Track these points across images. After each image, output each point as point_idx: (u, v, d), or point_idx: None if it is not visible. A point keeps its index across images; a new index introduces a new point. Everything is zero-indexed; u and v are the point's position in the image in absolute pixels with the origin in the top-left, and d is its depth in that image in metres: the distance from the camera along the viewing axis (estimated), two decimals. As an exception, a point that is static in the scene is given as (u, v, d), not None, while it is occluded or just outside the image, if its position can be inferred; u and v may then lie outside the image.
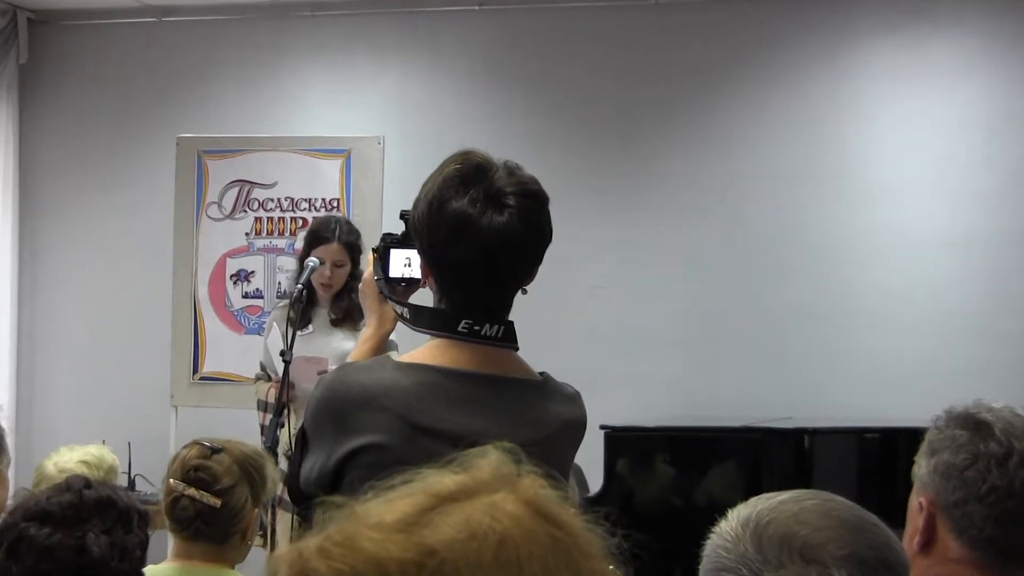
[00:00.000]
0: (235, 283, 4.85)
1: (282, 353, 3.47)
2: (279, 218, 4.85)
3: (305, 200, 4.82)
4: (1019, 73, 4.97)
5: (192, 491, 2.13)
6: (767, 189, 5.13)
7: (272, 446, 3.09)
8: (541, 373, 1.71)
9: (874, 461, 4.30)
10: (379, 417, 1.59)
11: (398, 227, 1.83)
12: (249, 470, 2.18)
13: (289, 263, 4.68)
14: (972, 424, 1.51)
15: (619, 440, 4.23)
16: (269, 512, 3.38)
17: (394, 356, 1.70)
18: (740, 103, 5.19)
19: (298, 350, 3.59)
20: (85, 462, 3.01)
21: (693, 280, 5.16)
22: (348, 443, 1.60)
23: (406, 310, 1.74)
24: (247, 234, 4.86)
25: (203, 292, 4.83)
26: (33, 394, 5.81)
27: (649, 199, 5.25)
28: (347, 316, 3.86)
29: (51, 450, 3.18)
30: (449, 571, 0.66)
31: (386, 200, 4.61)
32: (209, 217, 4.87)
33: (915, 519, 1.53)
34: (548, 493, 0.72)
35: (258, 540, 2.73)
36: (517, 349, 1.68)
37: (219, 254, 4.86)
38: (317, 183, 4.81)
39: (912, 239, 4.97)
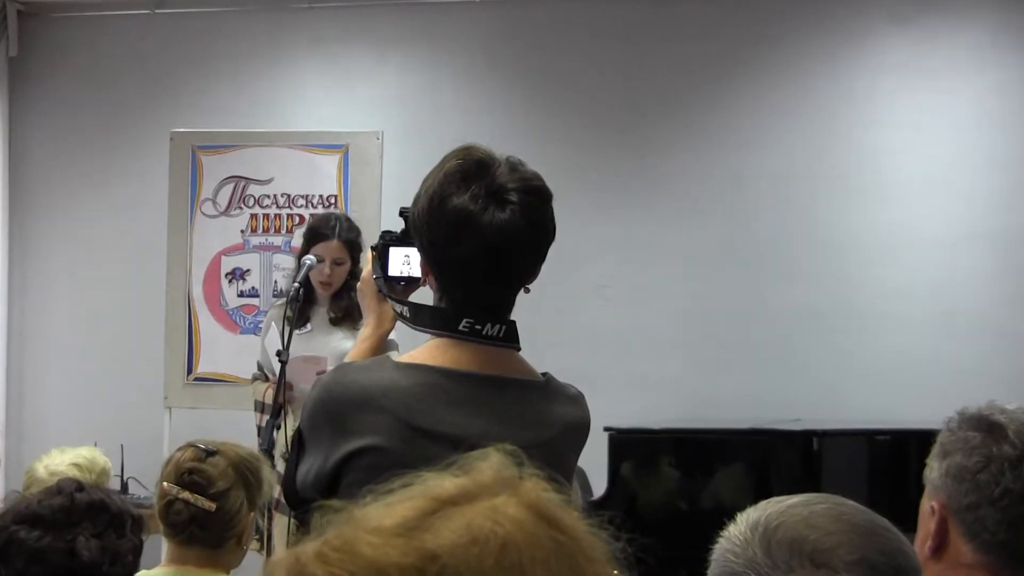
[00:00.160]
0: (230, 281, 4.82)
1: (278, 353, 3.44)
2: (275, 215, 4.82)
3: (302, 196, 4.79)
4: (1031, 68, 4.93)
5: (186, 495, 2.11)
6: (773, 186, 5.10)
7: (269, 448, 3.07)
8: (543, 374, 1.70)
9: (885, 464, 4.29)
10: (378, 418, 1.57)
11: (397, 224, 1.81)
12: (245, 473, 2.16)
13: (285, 261, 4.65)
14: (985, 426, 1.50)
15: (623, 442, 4.21)
16: (266, 516, 3.35)
17: (394, 356, 1.69)
18: (746, 97, 5.16)
19: (296, 349, 3.57)
20: (77, 465, 2.99)
21: (698, 279, 5.13)
22: (346, 445, 1.58)
23: (406, 309, 1.73)
24: (243, 231, 4.83)
25: (198, 291, 4.80)
26: (23, 395, 5.77)
27: (652, 196, 5.22)
28: (347, 315, 3.83)
29: (42, 452, 3.16)
30: None
31: (385, 196, 4.58)
32: (204, 214, 4.84)
33: (927, 523, 1.51)
34: (551, 496, 0.72)
35: (254, 545, 2.71)
36: (519, 349, 1.67)
37: (214, 252, 4.83)
38: (314, 179, 4.78)
39: (922, 237, 4.94)
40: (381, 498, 0.71)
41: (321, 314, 3.90)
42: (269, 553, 3.50)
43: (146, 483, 4.54)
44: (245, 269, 4.83)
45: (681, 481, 4.25)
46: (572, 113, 5.29)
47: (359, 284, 1.89)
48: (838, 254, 5.01)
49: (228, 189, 4.84)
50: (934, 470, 1.52)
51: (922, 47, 5.00)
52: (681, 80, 5.21)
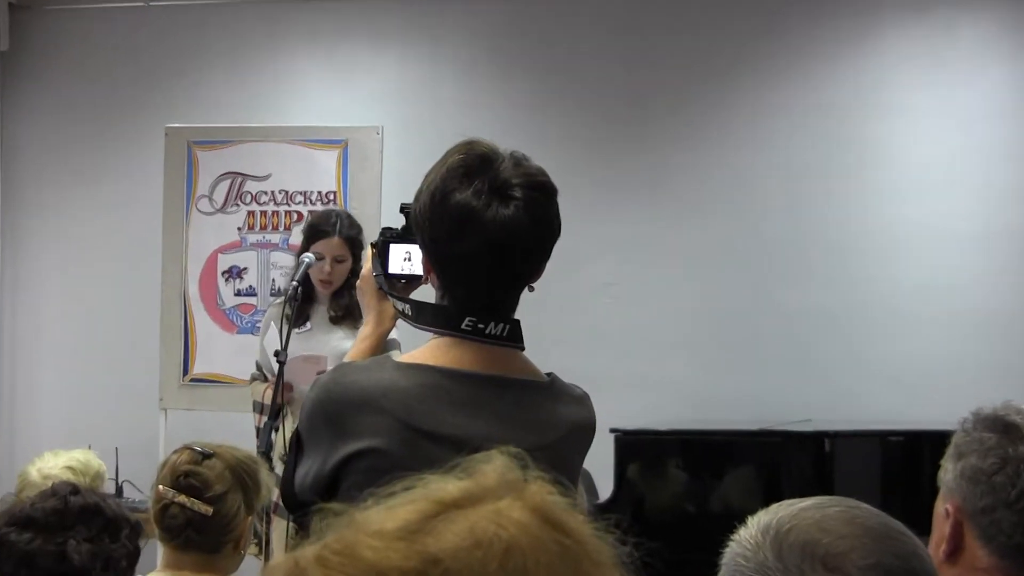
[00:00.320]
0: (227, 280, 4.79)
1: (276, 353, 3.41)
2: (273, 212, 4.78)
3: (300, 193, 4.76)
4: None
5: (182, 498, 2.09)
6: (783, 182, 5.07)
7: (267, 450, 3.04)
8: (548, 374, 1.68)
9: (898, 465, 4.27)
10: (377, 420, 1.55)
11: (397, 221, 1.80)
12: (242, 476, 2.14)
13: (283, 259, 4.62)
14: (1001, 426, 1.49)
15: (630, 444, 4.19)
16: (264, 520, 3.33)
17: (395, 356, 1.68)
18: (755, 91, 5.13)
19: (296, 349, 3.54)
20: (70, 468, 2.97)
21: (704, 278, 5.11)
22: (345, 447, 1.56)
23: (408, 307, 1.72)
24: (239, 229, 4.80)
25: (193, 289, 4.77)
26: (16, 397, 5.74)
27: (658, 192, 5.19)
28: (347, 314, 3.80)
29: (35, 455, 3.15)
30: None
31: (385, 192, 4.56)
32: (199, 211, 4.80)
33: (941, 526, 1.51)
34: (556, 499, 0.72)
35: (253, 549, 2.69)
36: (523, 348, 1.64)
37: (210, 250, 4.80)
38: (313, 175, 4.74)
39: (936, 234, 4.92)
40: (382, 501, 0.71)
41: (321, 313, 3.87)
42: (267, 558, 3.48)
43: (141, 486, 4.54)
44: (242, 267, 4.80)
45: (689, 483, 4.22)
46: (574, 108, 5.26)
47: (359, 282, 1.87)
48: (850, 251, 4.98)
49: (224, 185, 4.81)
50: (948, 472, 1.50)
51: (938, 38, 4.96)
52: (688, 73, 5.17)
